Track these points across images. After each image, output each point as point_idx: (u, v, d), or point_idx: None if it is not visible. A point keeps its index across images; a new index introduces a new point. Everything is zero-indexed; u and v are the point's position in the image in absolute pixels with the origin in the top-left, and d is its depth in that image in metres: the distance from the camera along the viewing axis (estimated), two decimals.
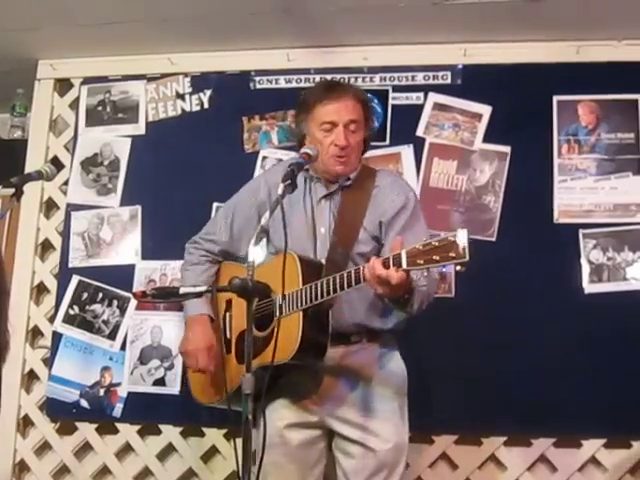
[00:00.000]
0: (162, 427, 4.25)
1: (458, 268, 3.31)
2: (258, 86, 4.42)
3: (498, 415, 3.92)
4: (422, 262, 2.64)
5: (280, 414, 2.95)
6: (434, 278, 3.18)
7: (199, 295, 2.97)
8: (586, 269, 4.01)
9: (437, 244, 2.60)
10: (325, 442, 3.27)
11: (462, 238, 2.56)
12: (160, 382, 4.22)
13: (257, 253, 3.66)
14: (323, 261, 3.14)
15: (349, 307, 3.18)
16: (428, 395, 3.90)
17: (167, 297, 3.10)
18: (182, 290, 2.90)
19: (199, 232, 3.56)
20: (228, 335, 3.33)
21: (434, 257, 2.60)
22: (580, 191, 4.09)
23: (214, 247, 3.47)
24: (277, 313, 2.97)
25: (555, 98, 4.17)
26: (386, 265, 2.72)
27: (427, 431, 4.01)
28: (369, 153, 4.08)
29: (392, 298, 2.91)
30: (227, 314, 3.39)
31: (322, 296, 2.93)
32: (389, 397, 3.23)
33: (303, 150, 3.07)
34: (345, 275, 2.88)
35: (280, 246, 2.77)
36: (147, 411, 4.18)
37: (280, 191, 2.82)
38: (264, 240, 3.41)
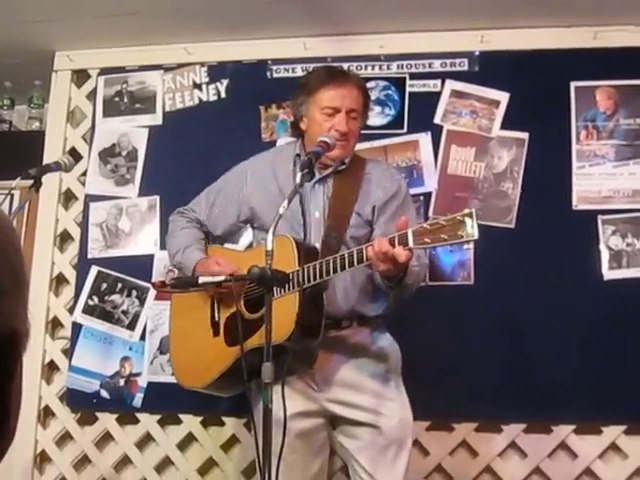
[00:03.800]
0: (182, 417, 4.27)
1: (466, 247, 3.31)
2: (275, 75, 4.43)
3: (517, 402, 3.91)
4: (429, 241, 2.66)
5: (279, 404, 2.95)
6: (424, 262, 3.22)
7: (218, 284, 2.99)
8: (605, 255, 3.99)
9: (445, 223, 2.62)
10: (327, 430, 3.28)
11: (471, 217, 2.57)
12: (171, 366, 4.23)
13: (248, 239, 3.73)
14: (317, 245, 3.15)
15: (344, 293, 3.19)
16: (447, 383, 3.92)
17: (186, 287, 3.12)
18: (201, 280, 2.93)
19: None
20: (216, 317, 3.31)
21: (442, 236, 2.62)
22: (599, 177, 4.07)
23: (196, 218, 3.48)
24: (276, 294, 2.91)
25: (573, 84, 4.14)
26: (392, 243, 2.73)
27: (447, 419, 4.02)
28: (387, 141, 4.13)
29: (389, 276, 2.91)
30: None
31: (322, 276, 2.93)
32: (386, 376, 3.26)
33: (321, 138, 3.08)
34: (347, 255, 2.89)
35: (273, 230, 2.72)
36: (167, 401, 4.18)
37: (298, 180, 2.84)
38: (248, 226, 3.47)
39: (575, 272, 3.98)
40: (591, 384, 3.85)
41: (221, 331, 3.26)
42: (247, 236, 3.78)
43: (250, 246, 3.72)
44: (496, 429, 4.00)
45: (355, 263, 2.86)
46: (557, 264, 4.00)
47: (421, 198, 4.14)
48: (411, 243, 2.70)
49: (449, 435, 4.03)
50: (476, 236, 2.57)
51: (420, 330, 3.88)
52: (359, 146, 3.51)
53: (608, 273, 3.98)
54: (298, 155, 3.31)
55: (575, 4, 3.99)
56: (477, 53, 4.27)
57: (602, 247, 4.00)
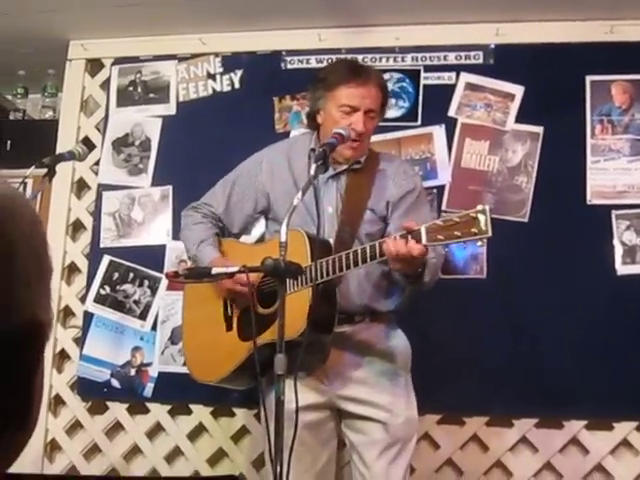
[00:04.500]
0: (193, 407, 4.27)
1: (479, 244, 3.29)
2: (289, 66, 4.42)
3: (529, 397, 3.91)
4: (442, 238, 2.66)
5: (289, 397, 2.94)
6: (440, 252, 3.18)
7: (231, 275, 2.98)
8: (619, 250, 3.97)
9: (458, 220, 2.61)
10: (334, 421, 3.29)
11: (484, 213, 2.56)
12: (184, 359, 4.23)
13: (259, 230, 3.72)
14: (331, 240, 3.14)
15: (358, 288, 3.19)
16: (459, 377, 3.91)
17: (199, 277, 3.11)
18: (214, 270, 2.92)
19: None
20: (229, 312, 3.31)
21: (455, 233, 2.61)
22: (613, 172, 4.05)
23: (213, 212, 3.46)
24: (289, 289, 2.90)
25: (588, 78, 4.12)
26: (407, 241, 2.72)
27: (458, 413, 4.02)
28: (401, 133, 4.12)
29: (407, 273, 2.91)
30: None
31: (335, 272, 2.93)
32: (396, 373, 3.27)
33: (336, 130, 3.07)
34: (360, 251, 2.88)
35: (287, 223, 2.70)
36: (178, 391, 4.18)
37: (312, 172, 2.83)
38: (262, 218, 3.46)
39: (588, 267, 3.97)
40: (603, 380, 3.84)
41: (234, 325, 3.27)
42: (259, 227, 3.77)
43: (262, 238, 3.70)
44: (507, 424, 4.00)
45: (368, 260, 2.86)
46: (570, 259, 3.98)
47: (434, 191, 4.12)
48: (424, 240, 2.69)
49: (460, 429, 4.03)
50: (489, 233, 2.56)
51: (431, 324, 3.88)
52: (373, 138, 3.49)
53: (622, 268, 3.96)
54: (313, 150, 3.29)
55: None
56: (492, 46, 4.24)
57: (616, 242, 3.98)
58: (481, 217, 2.56)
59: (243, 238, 3.68)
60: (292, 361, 2.63)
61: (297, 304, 2.91)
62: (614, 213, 4.00)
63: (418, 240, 2.70)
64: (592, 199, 4.03)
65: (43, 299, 0.92)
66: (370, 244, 2.89)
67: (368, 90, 3.22)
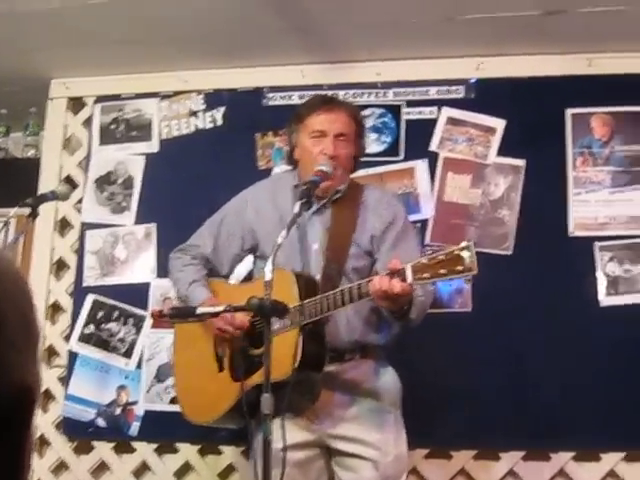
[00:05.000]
0: (179, 445, 4.24)
1: (466, 280, 3.29)
2: (271, 102, 4.44)
3: (516, 430, 3.90)
4: (428, 276, 2.65)
5: (278, 435, 2.92)
6: (430, 290, 3.17)
7: (216, 315, 2.98)
8: (602, 282, 3.99)
9: (443, 257, 2.61)
10: (324, 459, 3.27)
11: (469, 250, 2.56)
12: (177, 400, 4.20)
13: (245, 267, 3.71)
14: (318, 277, 3.14)
15: (346, 324, 3.18)
16: (445, 410, 3.91)
17: (185, 316, 3.11)
18: (199, 310, 2.91)
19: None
20: (220, 352, 3.30)
21: (441, 271, 2.61)
22: (595, 204, 4.07)
23: (201, 253, 3.44)
24: (276, 329, 2.89)
25: (568, 111, 4.16)
26: (392, 280, 2.72)
27: (445, 446, 4.01)
28: (383, 168, 4.13)
29: (393, 311, 2.91)
30: None
31: (322, 311, 2.92)
32: (385, 410, 3.25)
33: (317, 167, 3.07)
34: (347, 291, 2.88)
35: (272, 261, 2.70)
36: (164, 429, 4.16)
37: (296, 209, 2.83)
38: (250, 256, 3.46)
39: (572, 299, 3.98)
40: (589, 410, 3.84)
41: (226, 366, 3.26)
42: (244, 265, 3.76)
43: (250, 275, 3.70)
44: (495, 457, 3.98)
45: (355, 299, 2.86)
46: (554, 291, 3.99)
47: (418, 225, 4.12)
48: (410, 279, 2.69)
49: (448, 463, 4.01)
50: (475, 270, 2.56)
51: (419, 358, 3.87)
52: (355, 174, 3.50)
53: (605, 299, 3.98)
54: (296, 186, 3.29)
55: (569, 31, 4.01)
56: (473, 80, 4.28)
57: (599, 274, 3.99)
58: (466, 254, 2.56)
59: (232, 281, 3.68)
60: (281, 401, 2.63)
61: (286, 344, 2.90)
62: (597, 245, 4.02)
63: (404, 279, 2.70)
64: (574, 231, 4.05)
65: (32, 364, 0.91)
66: (356, 283, 2.89)
67: (337, 115, 3.24)
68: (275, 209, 3.33)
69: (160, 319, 3.41)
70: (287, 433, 2.77)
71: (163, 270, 4.31)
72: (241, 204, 3.43)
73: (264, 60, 4.39)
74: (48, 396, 4.44)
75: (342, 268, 3.19)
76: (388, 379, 3.30)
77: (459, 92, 4.28)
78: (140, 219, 4.47)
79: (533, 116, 4.16)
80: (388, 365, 3.33)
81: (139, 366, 4.31)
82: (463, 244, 2.59)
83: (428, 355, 3.95)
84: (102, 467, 4.34)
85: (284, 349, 2.86)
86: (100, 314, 4.39)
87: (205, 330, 3.30)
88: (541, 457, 3.94)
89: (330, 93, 4.15)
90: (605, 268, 3.99)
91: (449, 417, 3.91)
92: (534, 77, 4.21)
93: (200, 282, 3.34)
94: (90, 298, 4.41)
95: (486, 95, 4.27)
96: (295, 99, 4.38)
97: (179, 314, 3.14)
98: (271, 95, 4.44)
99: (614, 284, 3.98)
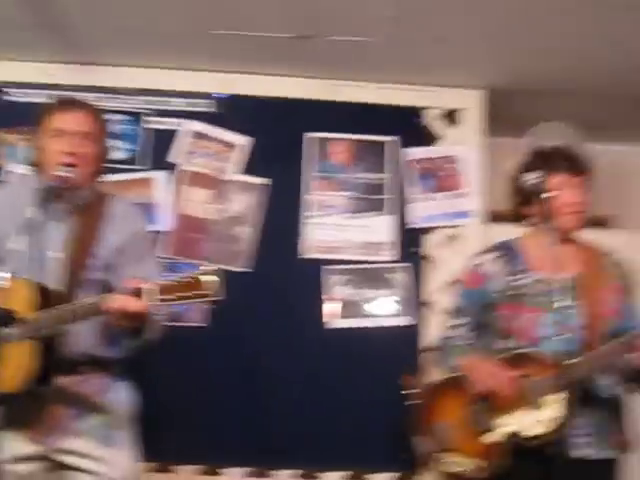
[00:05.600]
0: None
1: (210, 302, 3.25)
2: (6, 98, 4.27)
3: (242, 446, 3.97)
4: (173, 298, 2.60)
5: (9, 446, 2.82)
6: (169, 310, 3.13)
7: None
8: (327, 305, 4.07)
9: (191, 280, 2.57)
10: (51, 473, 3.17)
11: (212, 276, 2.54)
12: None
13: None
14: (56, 288, 3.04)
15: (79, 337, 3.08)
16: (173, 425, 3.88)
17: None
18: None
19: None
20: None
21: (186, 294, 2.58)
22: (328, 227, 4.16)
23: None
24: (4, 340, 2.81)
25: (306, 135, 4.24)
26: (134, 299, 2.67)
27: (170, 462, 4.00)
28: (119, 176, 4.05)
29: (126, 328, 2.86)
30: None
31: (53, 326, 2.83)
32: (118, 426, 3.16)
33: (54, 173, 2.97)
34: (80, 307, 2.79)
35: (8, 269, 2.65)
36: None
37: (29, 214, 2.76)
38: None
39: (301, 320, 4.07)
40: (313, 429, 3.94)
41: None
42: None
43: None
44: (216, 473, 4.01)
45: (90, 315, 2.78)
46: (287, 311, 4.07)
47: (155, 237, 4.06)
48: (148, 300, 2.64)
49: (176, 477, 4.01)
50: (220, 296, 2.54)
51: (152, 372, 3.80)
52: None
53: (330, 322, 4.06)
54: (37, 189, 3.16)
55: (316, 57, 4.08)
56: (222, 96, 4.28)
57: (325, 296, 4.07)
58: (212, 279, 2.54)
59: None
60: (9, 413, 2.53)
61: (18, 355, 2.80)
62: (324, 268, 4.10)
63: (141, 299, 2.65)
64: (304, 253, 4.12)
65: None
66: (90, 300, 2.79)
67: (74, 114, 3.12)
68: (13, 213, 3.19)
69: None
70: (16, 444, 2.73)
71: None
72: None
73: (5, 54, 4.23)
74: None
75: (83, 280, 3.09)
76: (121, 394, 3.22)
77: (205, 106, 4.27)
78: None
79: (276, 137, 4.22)
80: (123, 379, 3.25)
81: None
82: (202, 268, 2.56)
83: (161, 370, 3.89)
84: None
85: (15, 361, 2.76)
86: None
87: None
88: (263, 475, 4.00)
89: (72, 94, 4.03)
90: (331, 291, 4.06)
91: (177, 433, 3.90)
92: (279, 98, 4.27)
93: None
94: None
95: (233, 112, 4.29)
96: (34, 97, 4.22)
97: None
98: (12, 91, 4.27)
99: (339, 307, 4.07)
